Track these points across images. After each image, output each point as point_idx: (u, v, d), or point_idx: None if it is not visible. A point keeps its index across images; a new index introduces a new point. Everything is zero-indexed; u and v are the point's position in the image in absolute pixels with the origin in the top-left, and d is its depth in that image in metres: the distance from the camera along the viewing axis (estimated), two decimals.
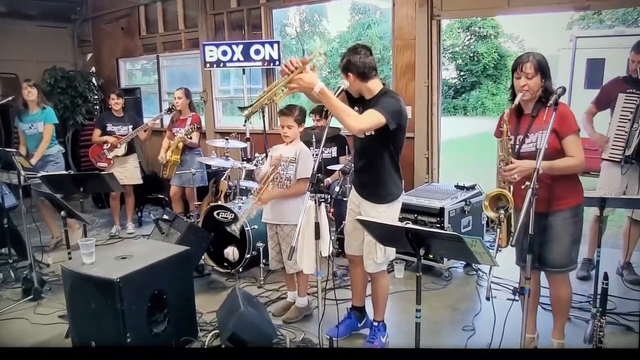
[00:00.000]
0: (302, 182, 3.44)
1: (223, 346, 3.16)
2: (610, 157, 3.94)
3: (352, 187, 3.32)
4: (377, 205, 3.07)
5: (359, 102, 3.07)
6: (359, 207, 3.17)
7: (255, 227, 4.31)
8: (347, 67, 2.95)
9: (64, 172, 5.08)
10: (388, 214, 3.05)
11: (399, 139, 3.01)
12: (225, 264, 4.48)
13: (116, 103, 5.81)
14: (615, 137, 3.90)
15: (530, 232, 2.51)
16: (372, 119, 2.77)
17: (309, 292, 3.91)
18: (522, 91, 2.70)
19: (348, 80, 2.95)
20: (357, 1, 25.45)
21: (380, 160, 3.02)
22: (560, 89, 2.61)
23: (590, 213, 3.98)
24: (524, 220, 2.41)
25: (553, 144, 2.67)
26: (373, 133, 2.93)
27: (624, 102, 3.86)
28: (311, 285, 3.77)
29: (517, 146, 2.78)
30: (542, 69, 2.70)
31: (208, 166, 5.80)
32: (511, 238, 2.53)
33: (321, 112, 5.00)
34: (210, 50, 6.51)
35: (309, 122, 5.33)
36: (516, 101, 2.72)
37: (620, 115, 3.87)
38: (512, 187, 2.68)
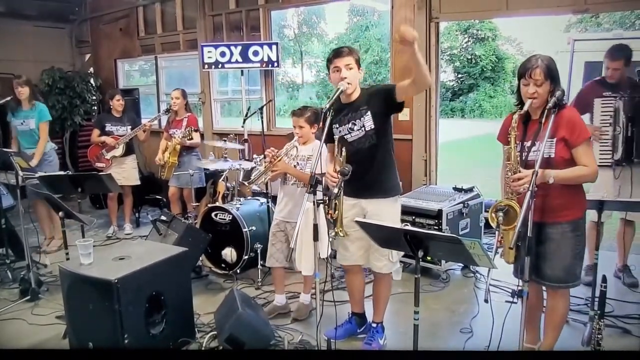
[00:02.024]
0: None
1: (221, 347, 3.16)
2: (600, 163, 3.93)
3: (351, 198, 3.16)
4: (386, 199, 3.09)
5: (343, 108, 3.11)
6: (363, 214, 3.11)
7: (253, 228, 4.31)
8: (359, 62, 3.05)
9: (61, 172, 5.07)
10: (394, 211, 3.10)
11: (391, 129, 3.11)
12: (223, 265, 4.47)
13: (120, 104, 5.81)
14: (600, 143, 3.88)
15: (528, 235, 2.48)
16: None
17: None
18: (531, 98, 2.56)
19: (357, 75, 3.02)
20: (355, 3, 25.45)
21: (386, 151, 3.07)
22: (559, 91, 2.53)
23: (587, 220, 3.98)
24: (522, 229, 2.38)
25: (561, 153, 2.57)
26: (373, 126, 3.00)
27: (602, 107, 3.86)
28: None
29: (524, 154, 2.65)
30: (552, 74, 2.55)
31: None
32: (512, 240, 2.44)
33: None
34: (208, 52, 6.51)
35: None
36: (525, 108, 2.59)
37: (601, 121, 3.86)
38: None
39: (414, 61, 2.64)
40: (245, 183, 3.53)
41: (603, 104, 3.85)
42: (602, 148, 3.89)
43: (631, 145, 3.79)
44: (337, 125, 3.13)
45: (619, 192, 3.93)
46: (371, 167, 3.06)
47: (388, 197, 3.10)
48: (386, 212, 3.06)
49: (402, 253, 3.26)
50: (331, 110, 2.91)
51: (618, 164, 3.87)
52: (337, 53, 3.02)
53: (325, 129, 2.88)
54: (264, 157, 3.58)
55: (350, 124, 3.08)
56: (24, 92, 5.08)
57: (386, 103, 2.95)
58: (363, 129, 3.03)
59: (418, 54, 2.62)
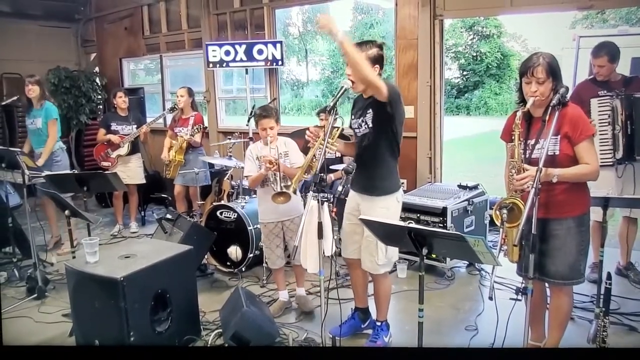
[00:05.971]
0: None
1: (226, 345, 3.17)
2: (602, 163, 3.91)
3: (350, 190, 3.27)
4: (377, 198, 3.07)
5: (358, 102, 3.16)
6: (358, 209, 3.16)
7: (258, 226, 4.31)
8: (378, 60, 2.97)
9: (68, 171, 5.09)
10: (386, 212, 3.04)
11: (397, 125, 3.03)
12: (228, 263, 4.49)
13: (123, 101, 5.81)
14: (600, 143, 3.83)
15: (533, 232, 2.47)
16: (379, 80, 2.86)
17: (312, 292, 3.96)
18: (533, 96, 2.55)
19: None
20: (360, 1, 25.45)
21: (381, 151, 3.05)
22: (563, 88, 2.53)
23: (591, 219, 3.97)
24: (526, 226, 2.37)
25: (565, 150, 2.57)
26: (372, 125, 3.00)
27: (599, 107, 3.81)
28: (314, 284, 3.78)
29: (527, 152, 2.64)
30: (554, 71, 2.54)
31: (211, 165, 5.82)
32: (516, 237, 2.44)
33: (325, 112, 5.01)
34: (213, 50, 6.52)
35: (316, 121, 5.34)
36: (527, 106, 2.58)
37: (599, 121, 3.82)
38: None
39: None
40: (288, 190, 3.19)
41: (600, 103, 3.81)
42: (601, 148, 3.84)
43: (632, 143, 3.76)
44: (353, 118, 3.20)
45: (622, 190, 3.91)
46: (366, 164, 3.07)
47: (379, 195, 3.08)
48: (377, 212, 2.99)
49: (395, 257, 3.26)
50: (335, 109, 2.90)
51: (620, 163, 3.84)
52: None
53: (328, 127, 2.88)
54: (263, 164, 3.59)
55: (360, 119, 3.10)
56: (33, 90, 5.11)
57: (379, 101, 2.93)
58: (367, 125, 3.05)
59: (341, 43, 2.69)
